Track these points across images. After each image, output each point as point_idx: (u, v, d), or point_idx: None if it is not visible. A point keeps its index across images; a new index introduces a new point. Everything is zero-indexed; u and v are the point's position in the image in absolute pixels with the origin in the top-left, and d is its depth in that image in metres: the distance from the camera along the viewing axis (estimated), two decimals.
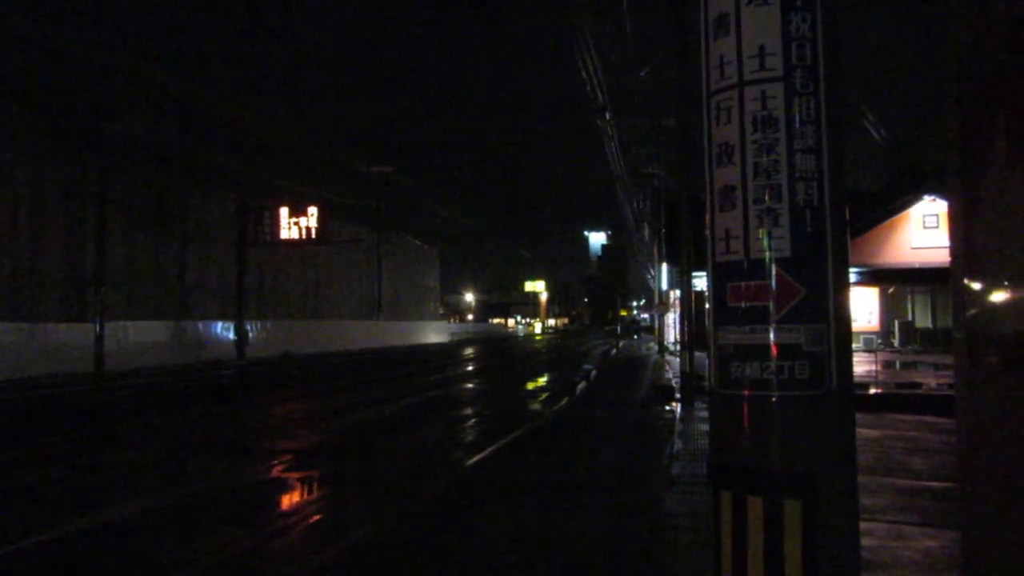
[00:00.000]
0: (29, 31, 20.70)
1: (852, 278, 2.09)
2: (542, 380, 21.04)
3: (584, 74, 17.77)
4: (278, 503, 6.76)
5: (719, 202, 2.01)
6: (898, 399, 11.58)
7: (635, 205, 39.27)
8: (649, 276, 51.67)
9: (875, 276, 23.33)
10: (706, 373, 2.16)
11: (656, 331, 42.24)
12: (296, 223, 28.27)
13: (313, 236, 28.60)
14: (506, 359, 32.83)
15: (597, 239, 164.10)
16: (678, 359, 17.83)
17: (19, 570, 4.85)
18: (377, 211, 42.85)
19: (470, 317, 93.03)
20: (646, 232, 44.24)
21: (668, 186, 28.41)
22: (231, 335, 28.77)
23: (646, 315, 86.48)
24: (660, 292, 35.15)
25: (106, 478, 7.77)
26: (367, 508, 6.37)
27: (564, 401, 14.44)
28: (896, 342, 25.91)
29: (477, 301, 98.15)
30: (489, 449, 9.02)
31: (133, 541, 5.47)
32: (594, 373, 21.40)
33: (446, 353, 36.73)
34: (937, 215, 22.02)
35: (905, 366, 18.94)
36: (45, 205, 22.23)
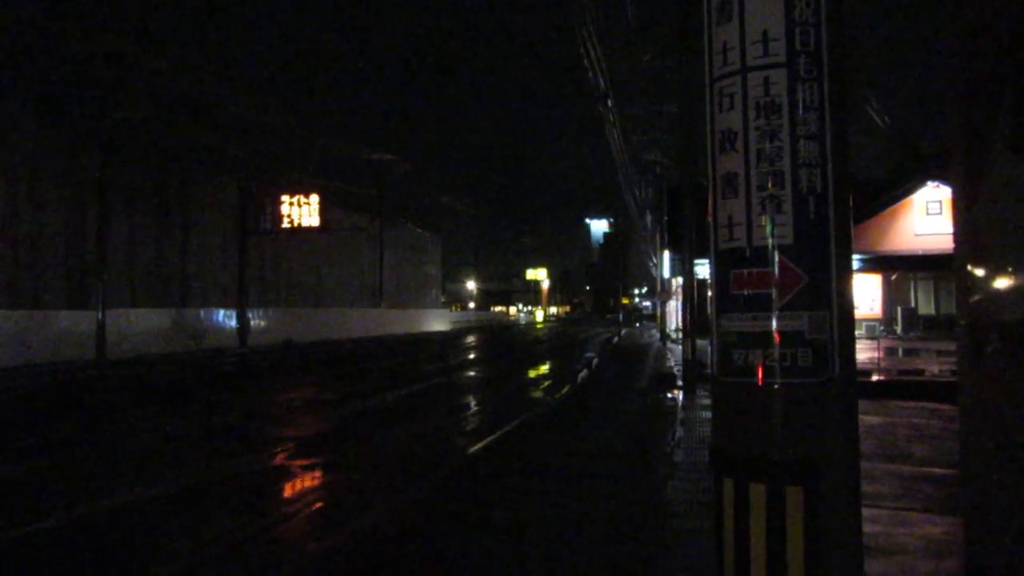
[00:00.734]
0: (29, 18, 20.63)
1: (855, 265, 2.09)
2: (544, 368, 21.06)
3: (586, 61, 17.70)
4: (282, 490, 6.78)
5: (722, 189, 2.01)
6: (901, 386, 11.60)
7: (637, 192, 39.18)
8: (651, 263, 51.64)
9: (878, 263, 23.30)
10: (708, 361, 2.16)
11: (658, 319, 42.26)
12: (298, 211, 28.29)
13: (315, 224, 28.62)
14: (508, 347, 32.87)
15: (599, 227, 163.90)
16: (680, 347, 17.84)
17: (24, 557, 4.88)
18: (379, 199, 42.79)
19: (472, 305, 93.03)
20: (648, 219, 44.17)
21: (670, 173, 28.36)
22: (233, 323, 28.81)
23: (648, 303, 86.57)
24: (662, 280, 35.13)
25: (108, 465, 7.80)
26: (370, 495, 6.39)
27: (566, 389, 14.46)
28: (899, 329, 25.91)
29: (479, 289, 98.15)
30: (491, 437, 9.04)
31: (136, 528, 5.50)
32: (596, 361, 21.42)
33: (448, 341, 36.77)
34: (940, 201, 21.95)
35: (908, 353, 18.94)
36: (47, 193, 22.23)
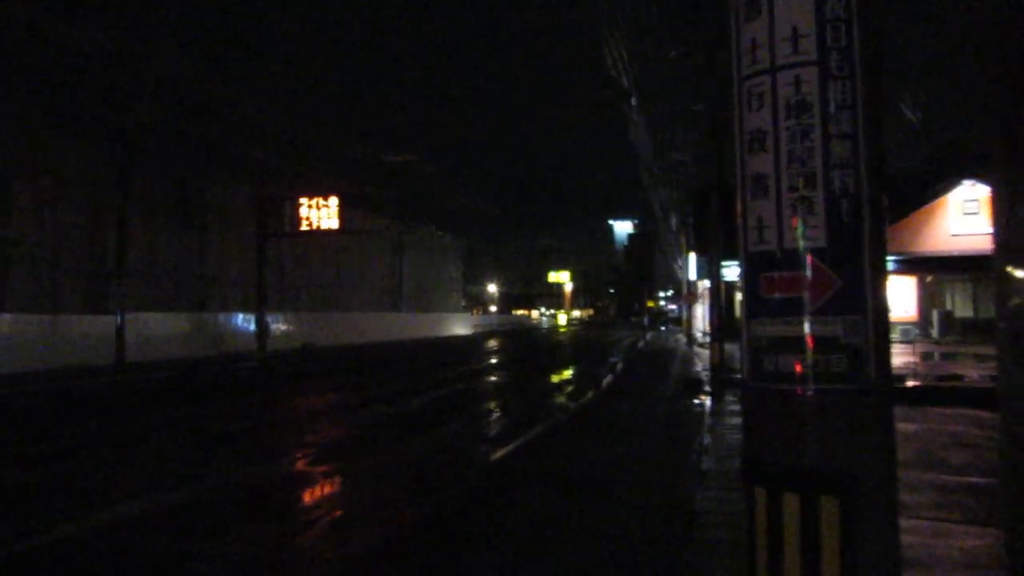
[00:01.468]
0: (48, 21, 20.95)
1: (889, 266, 2.07)
2: (567, 373, 21.02)
3: (609, 59, 17.68)
4: (301, 498, 6.82)
5: (751, 190, 2.00)
6: (938, 392, 11.44)
7: (662, 193, 39.04)
8: (677, 266, 51.40)
9: (913, 264, 23.03)
10: (737, 365, 2.15)
11: (684, 322, 42.08)
12: (317, 213, 28.41)
13: (334, 226, 28.71)
14: (530, 351, 32.85)
15: (623, 228, 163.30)
16: (707, 351, 17.74)
17: (38, 566, 4.94)
18: (399, 200, 42.95)
19: (493, 308, 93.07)
20: (674, 221, 43.98)
21: (696, 172, 28.21)
22: (252, 327, 29.04)
23: (674, 306, 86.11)
24: (688, 282, 34.99)
25: (126, 472, 7.88)
26: (390, 503, 6.41)
27: (590, 394, 14.43)
28: (935, 332, 25.57)
29: (500, 292, 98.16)
30: (513, 444, 9.04)
31: (154, 536, 5.55)
32: (620, 366, 21.35)
33: (469, 345, 36.82)
34: (977, 200, 21.66)
35: (945, 357, 18.70)
36: (65, 196, 22.55)
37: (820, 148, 1.90)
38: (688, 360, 22.88)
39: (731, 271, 18.88)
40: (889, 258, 2.04)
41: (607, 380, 17.21)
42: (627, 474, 7.50)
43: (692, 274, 33.21)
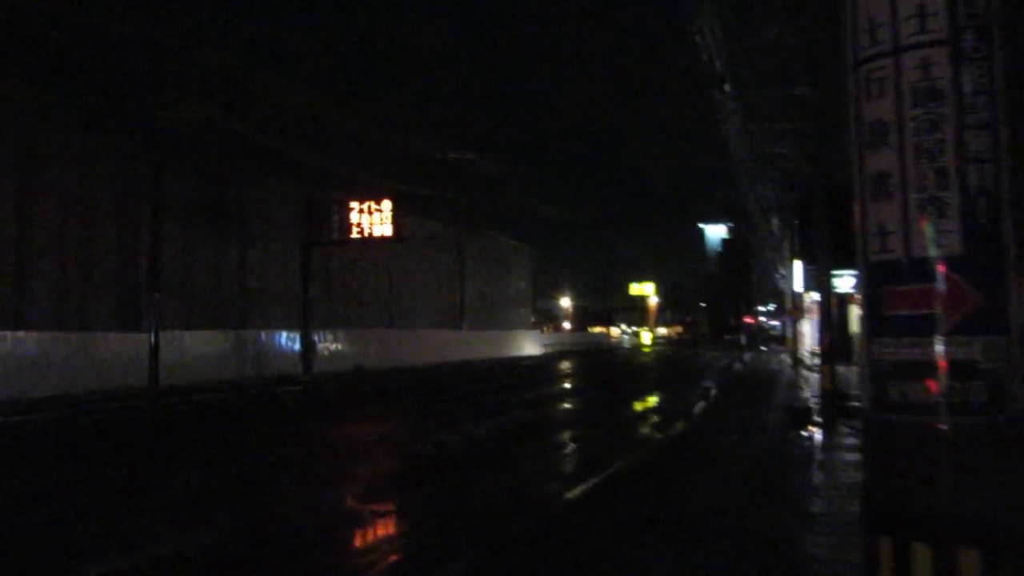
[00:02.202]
0: (77, 15, 21.84)
1: None
2: (652, 400, 20.86)
3: (699, 39, 17.56)
4: (351, 539, 6.92)
5: (871, 191, 1.97)
6: None
7: (760, 190, 38.48)
8: (779, 276, 50.55)
9: None
10: (852, 392, 2.11)
11: (788, 341, 41.33)
12: (368, 219, 28.60)
13: (388, 233, 28.83)
14: (609, 374, 32.70)
15: (715, 232, 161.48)
16: (816, 375, 17.39)
17: None
18: (460, 204, 43.30)
19: (567, 325, 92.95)
20: (775, 224, 43.31)
21: (802, 170, 27.73)
22: (296, 346, 29.54)
23: (776, 322, 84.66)
24: (793, 295, 34.36)
25: (162, 508, 8.10)
26: (450, 546, 6.45)
27: (679, 425, 14.29)
28: None
29: (575, 307, 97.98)
30: (591, 481, 9.00)
31: None
32: (714, 392, 21.09)
33: (540, 367, 36.83)
34: None
35: None
36: (96, 205, 23.28)
37: (952, 141, 1.86)
38: (794, 385, 22.49)
39: (843, 281, 18.46)
40: None
41: (699, 408, 17.03)
42: (722, 517, 7.40)
43: (798, 285, 32.59)
